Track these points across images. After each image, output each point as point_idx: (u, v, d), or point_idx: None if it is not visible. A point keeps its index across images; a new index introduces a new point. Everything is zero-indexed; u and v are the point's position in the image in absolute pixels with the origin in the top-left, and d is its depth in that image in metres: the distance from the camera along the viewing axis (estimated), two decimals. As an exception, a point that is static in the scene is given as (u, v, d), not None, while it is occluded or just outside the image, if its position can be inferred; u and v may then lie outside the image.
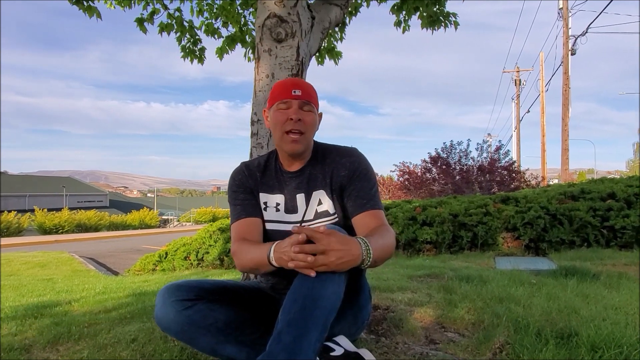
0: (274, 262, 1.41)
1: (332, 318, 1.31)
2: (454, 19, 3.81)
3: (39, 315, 2.81)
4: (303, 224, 1.64)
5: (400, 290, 2.88)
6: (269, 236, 1.69)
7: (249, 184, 1.71)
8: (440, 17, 3.80)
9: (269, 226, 1.70)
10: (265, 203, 1.70)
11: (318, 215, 1.65)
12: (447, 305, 2.42)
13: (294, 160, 1.68)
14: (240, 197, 1.71)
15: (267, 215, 1.70)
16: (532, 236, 6.02)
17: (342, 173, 1.65)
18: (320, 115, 1.71)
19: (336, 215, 1.65)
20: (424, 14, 3.85)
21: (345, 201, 1.65)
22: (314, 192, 1.66)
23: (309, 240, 1.29)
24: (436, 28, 3.85)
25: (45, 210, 27.76)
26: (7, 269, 9.38)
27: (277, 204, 1.69)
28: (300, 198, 1.67)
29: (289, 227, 1.64)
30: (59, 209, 29.75)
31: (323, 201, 1.66)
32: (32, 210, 28.09)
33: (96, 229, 29.08)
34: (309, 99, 1.62)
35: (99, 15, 3.62)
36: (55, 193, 48.27)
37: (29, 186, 48.75)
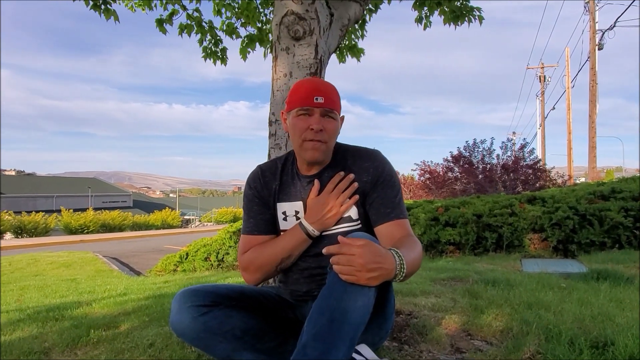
0: (315, 232, 1.53)
1: (360, 333, 1.24)
2: (478, 13, 3.69)
3: (60, 317, 2.83)
4: (324, 232, 1.57)
5: (423, 294, 2.79)
6: None
7: (264, 194, 1.63)
8: (464, 12, 3.69)
9: None
10: (284, 213, 1.62)
11: (341, 221, 1.56)
12: (473, 311, 2.33)
13: (313, 165, 1.59)
14: (254, 209, 1.64)
15: (287, 225, 1.61)
16: (560, 237, 5.83)
17: (364, 179, 1.56)
18: (342, 118, 1.60)
19: (359, 221, 1.57)
20: (446, 9, 3.75)
21: (368, 208, 1.56)
22: None
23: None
24: (459, 23, 3.74)
25: (71, 210, 28.37)
26: (33, 269, 9.61)
27: (297, 212, 1.61)
28: None
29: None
30: (84, 209, 30.36)
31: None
32: (59, 211, 28.72)
33: (120, 229, 29.57)
34: (331, 106, 1.50)
35: (116, 18, 3.62)
36: (81, 194, 49.34)
37: (56, 187, 49.93)
